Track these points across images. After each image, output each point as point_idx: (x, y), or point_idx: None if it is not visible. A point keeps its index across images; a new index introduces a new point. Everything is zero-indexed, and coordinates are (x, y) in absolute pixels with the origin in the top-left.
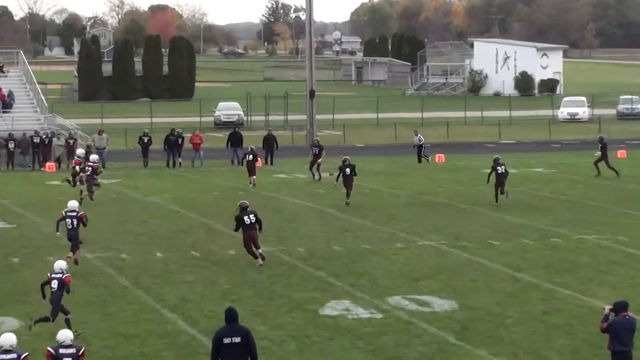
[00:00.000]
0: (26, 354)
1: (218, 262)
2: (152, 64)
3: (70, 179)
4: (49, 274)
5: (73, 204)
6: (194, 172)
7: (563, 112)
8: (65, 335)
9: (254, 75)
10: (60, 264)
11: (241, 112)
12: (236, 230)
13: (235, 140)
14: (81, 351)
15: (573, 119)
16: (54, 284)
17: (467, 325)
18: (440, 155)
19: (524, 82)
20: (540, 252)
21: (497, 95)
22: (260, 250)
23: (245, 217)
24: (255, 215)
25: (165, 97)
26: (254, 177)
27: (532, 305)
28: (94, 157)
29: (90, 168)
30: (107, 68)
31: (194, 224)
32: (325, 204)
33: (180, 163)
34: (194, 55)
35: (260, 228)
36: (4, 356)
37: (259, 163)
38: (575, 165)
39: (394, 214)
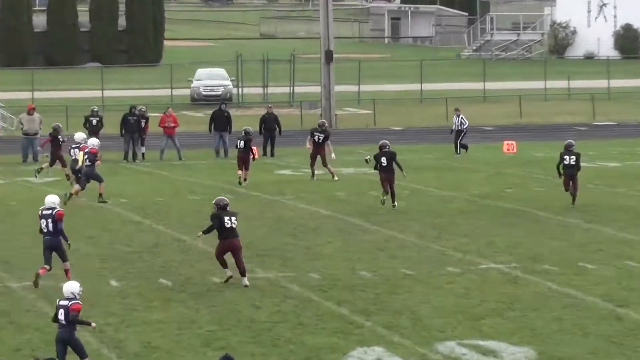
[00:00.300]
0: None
1: (198, 293)
2: (102, 15)
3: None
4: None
5: (51, 199)
6: (164, 167)
7: None
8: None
9: (246, 30)
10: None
11: (229, 83)
12: (207, 232)
13: (221, 122)
14: None
15: None
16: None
17: None
18: (509, 142)
19: (627, 38)
20: None
21: (589, 57)
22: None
23: (226, 218)
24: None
25: (121, 62)
26: (246, 172)
27: None
28: (93, 140)
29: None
30: (39, 21)
31: (163, 240)
32: (348, 211)
33: (143, 154)
34: (161, 1)
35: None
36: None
37: (255, 153)
38: None
39: (445, 226)
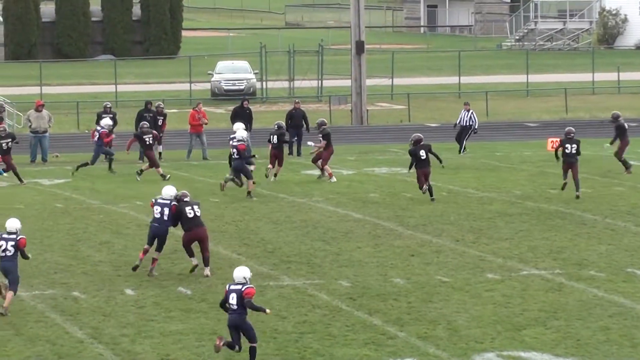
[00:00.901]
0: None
1: (219, 302)
2: (116, 4)
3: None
4: None
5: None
6: (183, 167)
7: None
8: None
9: (271, 19)
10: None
11: (252, 76)
12: (174, 225)
13: (243, 118)
14: None
15: None
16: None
17: None
18: (554, 139)
19: None
20: None
21: None
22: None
23: (187, 209)
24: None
25: (136, 54)
26: (279, 168)
27: None
28: (106, 120)
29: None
30: (47, 10)
31: (181, 246)
32: (380, 213)
33: (160, 154)
34: None
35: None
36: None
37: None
38: None
39: (484, 229)
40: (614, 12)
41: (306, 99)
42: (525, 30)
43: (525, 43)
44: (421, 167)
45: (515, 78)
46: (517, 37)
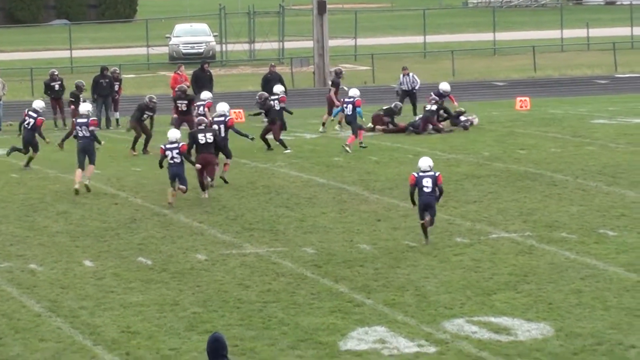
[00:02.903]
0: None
1: (181, 273)
2: None
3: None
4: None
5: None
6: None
7: None
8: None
9: None
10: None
11: (211, 39)
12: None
13: (202, 83)
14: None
15: None
16: None
17: None
18: (523, 99)
19: None
20: None
21: (610, 3)
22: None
23: (200, 136)
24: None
25: (91, 18)
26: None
27: None
28: (86, 106)
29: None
30: None
31: (142, 214)
32: (345, 178)
33: (117, 120)
34: None
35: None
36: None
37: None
38: None
39: (452, 192)
40: None
41: (267, 61)
42: None
43: (492, 0)
44: None
45: (481, 36)
46: None
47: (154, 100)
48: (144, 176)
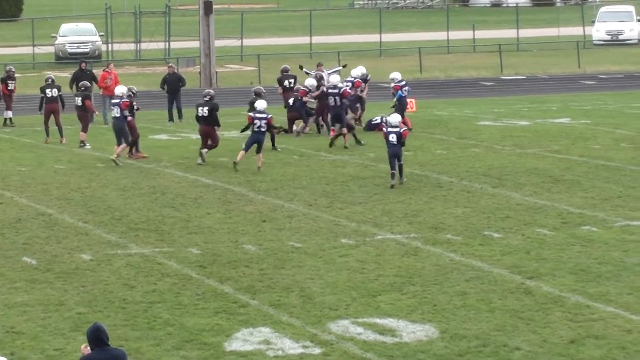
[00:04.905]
0: None
1: (65, 273)
2: None
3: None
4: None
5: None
6: (26, 134)
7: (600, 30)
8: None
9: None
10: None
11: (97, 39)
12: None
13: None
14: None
15: (615, 41)
16: None
17: None
18: (409, 100)
19: None
20: (565, 249)
21: (496, 5)
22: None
23: (199, 109)
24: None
25: None
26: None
27: (553, 330)
28: (122, 88)
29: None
30: None
31: (27, 214)
32: (231, 178)
33: (11, 120)
34: None
35: None
36: None
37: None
38: (620, 113)
39: (337, 193)
40: None
41: (154, 61)
42: None
43: (378, 1)
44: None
45: (368, 37)
46: None
47: (134, 91)
48: (29, 176)
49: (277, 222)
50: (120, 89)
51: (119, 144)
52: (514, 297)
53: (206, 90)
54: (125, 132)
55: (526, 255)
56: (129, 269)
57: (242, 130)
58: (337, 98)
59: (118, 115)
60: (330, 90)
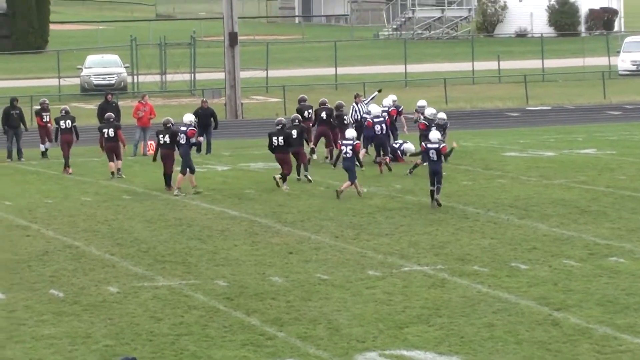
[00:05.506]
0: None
1: (92, 305)
2: None
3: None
4: None
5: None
6: (52, 166)
7: (625, 60)
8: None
9: (141, 11)
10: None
11: (123, 71)
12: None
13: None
14: None
15: None
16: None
17: None
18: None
19: (563, 14)
20: (592, 280)
21: (521, 35)
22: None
23: (274, 138)
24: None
25: (2, 49)
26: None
27: None
28: (189, 116)
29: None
30: None
31: (53, 246)
32: (257, 210)
33: (47, 150)
34: None
35: None
36: None
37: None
38: None
39: (364, 225)
40: None
41: (179, 92)
42: (403, 19)
43: (403, 32)
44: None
45: (393, 68)
46: (395, 26)
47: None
48: (56, 208)
49: (304, 254)
50: (188, 117)
51: (183, 172)
52: (541, 328)
53: (277, 119)
54: (190, 160)
55: (553, 286)
56: (156, 301)
57: (337, 160)
58: (383, 126)
59: (184, 142)
60: (375, 120)
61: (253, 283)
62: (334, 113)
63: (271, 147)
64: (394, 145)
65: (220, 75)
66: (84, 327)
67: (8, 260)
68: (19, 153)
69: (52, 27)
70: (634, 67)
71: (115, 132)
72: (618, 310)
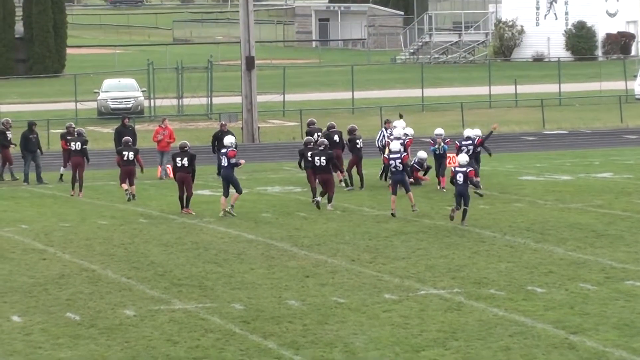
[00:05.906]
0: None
1: (109, 328)
2: None
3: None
4: None
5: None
6: (69, 190)
7: None
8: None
9: (158, 35)
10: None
11: (140, 94)
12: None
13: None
14: None
15: None
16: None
17: None
18: (451, 155)
19: (580, 38)
20: (608, 304)
21: (538, 59)
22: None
23: (315, 158)
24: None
25: (19, 73)
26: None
27: None
28: (230, 138)
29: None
30: None
31: (70, 270)
32: (273, 234)
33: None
34: (63, 5)
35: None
36: None
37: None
38: None
39: (380, 248)
40: (510, 23)
41: (196, 116)
42: (420, 43)
43: (420, 56)
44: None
45: (410, 92)
46: (412, 50)
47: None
48: (72, 231)
49: (320, 278)
50: (229, 139)
51: (225, 195)
52: (557, 352)
53: (320, 140)
54: (236, 180)
55: (570, 310)
56: (173, 324)
57: (382, 176)
58: (398, 162)
59: (226, 164)
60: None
61: (269, 306)
62: (348, 137)
63: (307, 165)
64: (410, 163)
65: (237, 99)
66: (100, 351)
67: (24, 284)
68: (38, 178)
69: (69, 51)
70: None
71: (135, 156)
72: (634, 333)
